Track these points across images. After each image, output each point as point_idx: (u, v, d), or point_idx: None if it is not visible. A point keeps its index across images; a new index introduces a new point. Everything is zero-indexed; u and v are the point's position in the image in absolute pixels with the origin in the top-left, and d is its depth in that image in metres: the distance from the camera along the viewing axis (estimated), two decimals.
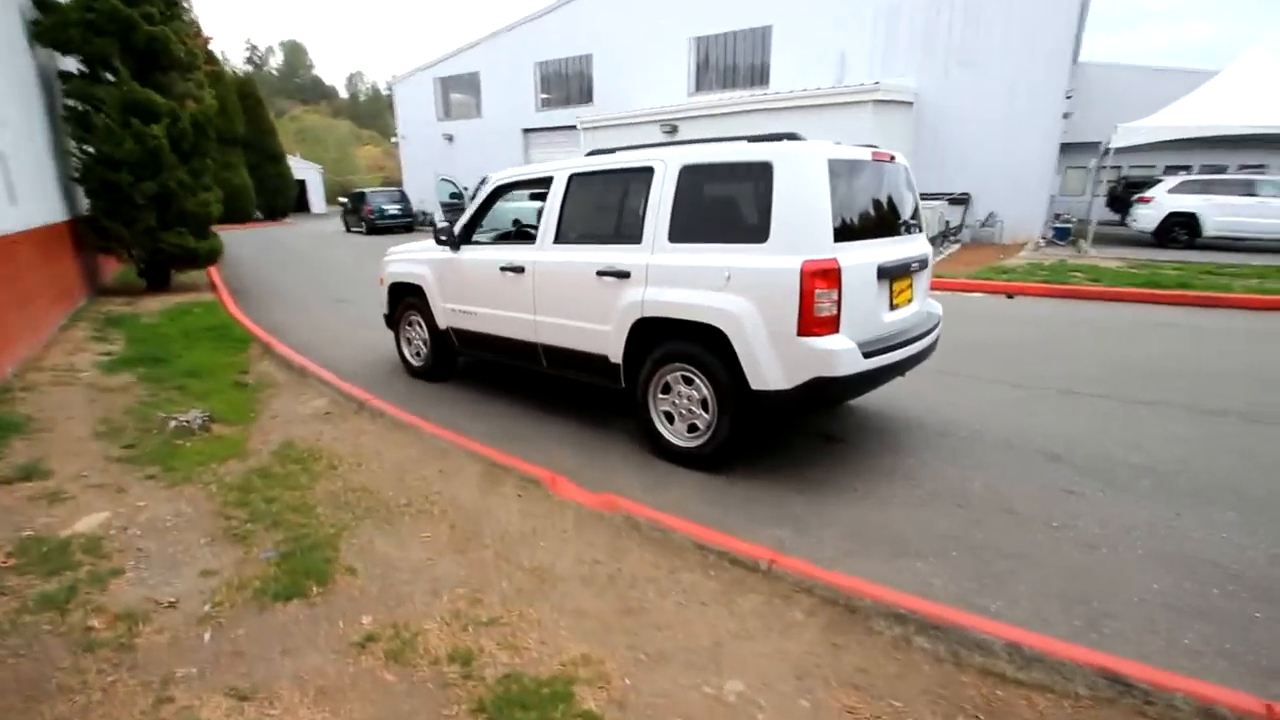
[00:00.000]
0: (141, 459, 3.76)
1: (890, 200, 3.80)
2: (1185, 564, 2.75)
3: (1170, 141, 13.51)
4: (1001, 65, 16.00)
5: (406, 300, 5.61)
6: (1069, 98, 16.51)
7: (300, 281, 11.79)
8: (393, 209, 24.07)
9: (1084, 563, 2.77)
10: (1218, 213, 14.05)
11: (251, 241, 19.58)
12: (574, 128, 20.92)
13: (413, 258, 5.49)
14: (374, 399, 4.75)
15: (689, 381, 3.70)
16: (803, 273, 3.15)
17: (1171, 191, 14.82)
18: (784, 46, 18.89)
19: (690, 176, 3.62)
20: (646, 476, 3.68)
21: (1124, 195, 18.91)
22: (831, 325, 3.22)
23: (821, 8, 17.97)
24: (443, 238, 4.94)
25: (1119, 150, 13.69)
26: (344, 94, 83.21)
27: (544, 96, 23.93)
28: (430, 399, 5.12)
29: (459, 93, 26.85)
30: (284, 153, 33.45)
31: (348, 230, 25.24)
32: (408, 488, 3.41)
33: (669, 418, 3.86)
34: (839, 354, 3.20)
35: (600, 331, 4.01)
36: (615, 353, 3.95)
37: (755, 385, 3.37)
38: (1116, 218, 19.01)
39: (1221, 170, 19.32)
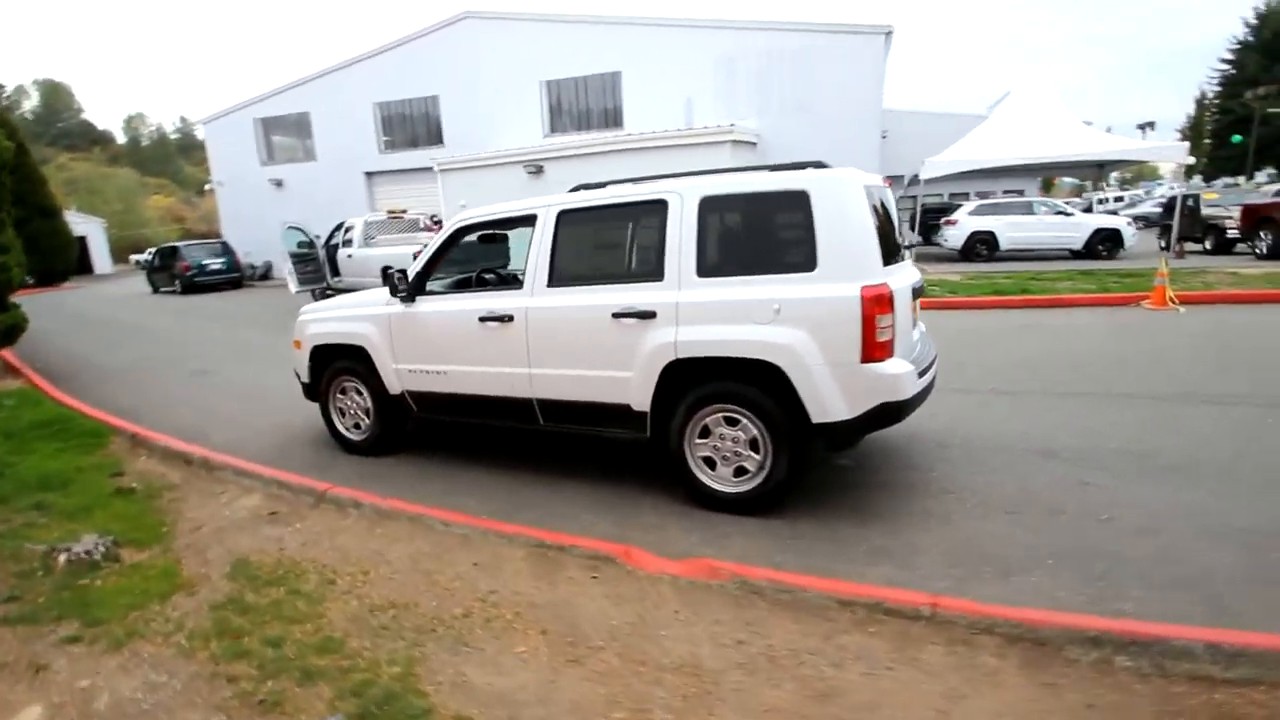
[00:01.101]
0: (41, 615, 2.73)
1: (892, 223, 3.92)
2: (1233, 536, 3.01)
3: (951, 173, 16.24)
4: (827, 108, 17.79)
5: (337, 365, 4.80)
6: (884, 137, 18.89)
7: (133, 355, 9.83)
8: (214, 263, 21.21)
9: (1157, 549, 2.94)
10: (1010, 230, 16.70)
11: (38, 313, 16.10)
12: (427, 169, 19.98)
13: (346, 314, 4.72)
14: (336, 486, 3.95)
15: (733, 422, 3.48)
16: (863, 299, 3.10)
17: (972, 214, 17.35)
18: (634, 91, 19.63)
19: (712, 208, 3.46)
20: (701, 530, 3.38)
21: (922, 219, 21.77)
22: (889, 349, 3.20)
23: (666, 56, 18.96)
24: (398, 289, 4.28)
25: (927, 180, 16.08)
26: (122, 138, 72.91)
27: (386, 138, 22.63)
28: (389, 476, 4.37)
29: (285, 134, 24.57)
30: (58, 206, 28.24)
31: (155, 290, 21.83)
32: (449, 592, 2.80)
33: (709, 463, 3.60)
34: (902, 378, 3.18)
35: (618, 379, 3.67)
36: (640, 400, 3.62)
37: (817, 418, 3.23)
38: (919, 239, 21.78)
39: (989, 195, 23.05)
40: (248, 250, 23.11)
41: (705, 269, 3.44)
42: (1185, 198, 15.56)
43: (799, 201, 3.27)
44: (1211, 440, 4.19)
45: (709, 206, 3.46)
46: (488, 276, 4.96)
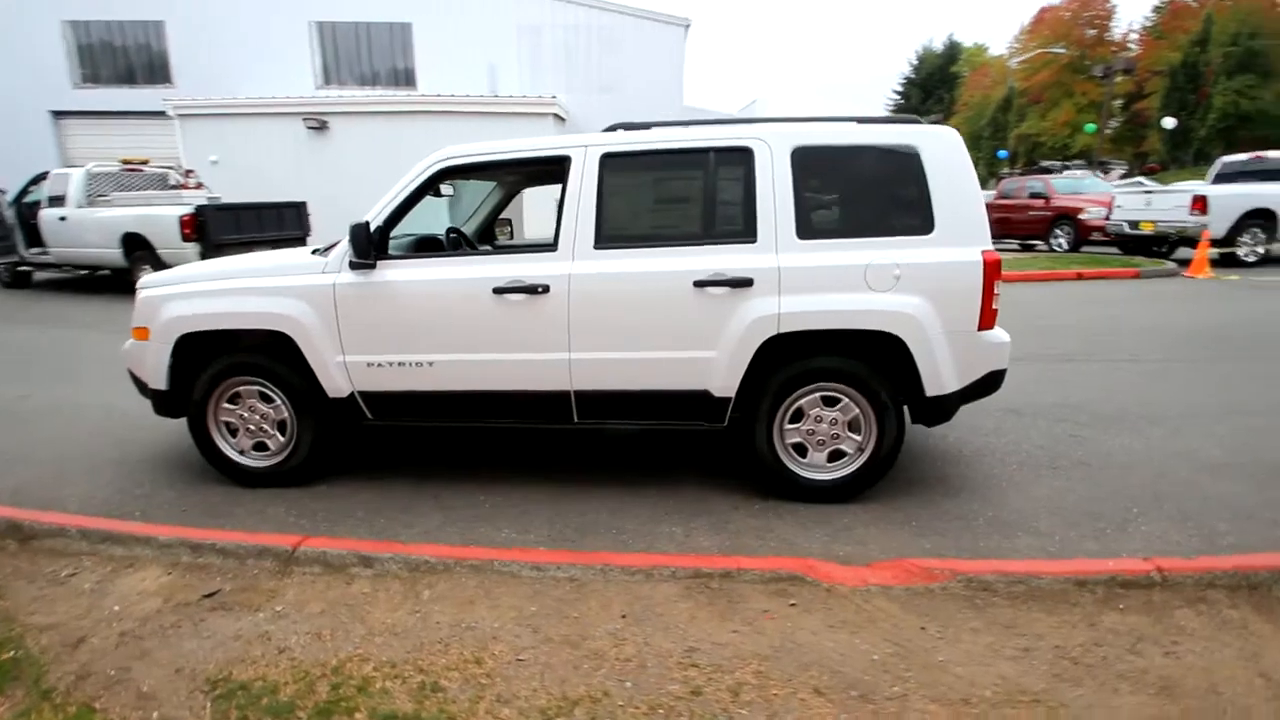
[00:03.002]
0: None
1: None
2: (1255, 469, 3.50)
3: None
4: (632, 93, 17.85)
5: (226, 362, 3.31)
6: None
7: None
8: None
9: (1209, 488, 3.29)
10: None
11: None
12: (152, 113, 15.72)
13: (246, 287, 3.26)
14: (309, 538, 2.67)
15: (831, 402, 3.11)
16: (986, 264, 2.95)
17: None
18: (428, 48, 17.67)
19: (806, 160, 3.01)
20: (816, 526, 2.96)
21: None
22: (996, 317, 3.11)
23: (464, 14, 17.35)
24: (364, 252, 3.02)
25: None
26: None
27: (84, 70, 17.22)
28: (339, 512, 3.15)
29: None
30: None
31: None
32: (630, 662, 1.99)
33: (798, 450, 3.18)
34: (1007, 345, 3.12)
35: (696, 361, 3.05)
36: (725, 384, 3.06)
37: (932, 391, 3.02)
38: None
39: None
40: None
41: (807, 230, 2.99)
42: None
43: (907, 158, 3.00)
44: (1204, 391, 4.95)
45: (803, 159, 3.01)
46: (446, 237, 3.85)
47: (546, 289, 3.03)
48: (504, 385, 3.18)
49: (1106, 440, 3.97)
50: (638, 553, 2.63)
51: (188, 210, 9.15)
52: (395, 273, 3.15)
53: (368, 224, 3.02)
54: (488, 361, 3.14)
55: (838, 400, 3.11)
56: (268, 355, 3.32)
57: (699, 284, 2.97)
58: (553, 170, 3.26)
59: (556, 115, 15.34)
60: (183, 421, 3.48)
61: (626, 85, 17.90)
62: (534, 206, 8.35)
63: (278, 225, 10.63)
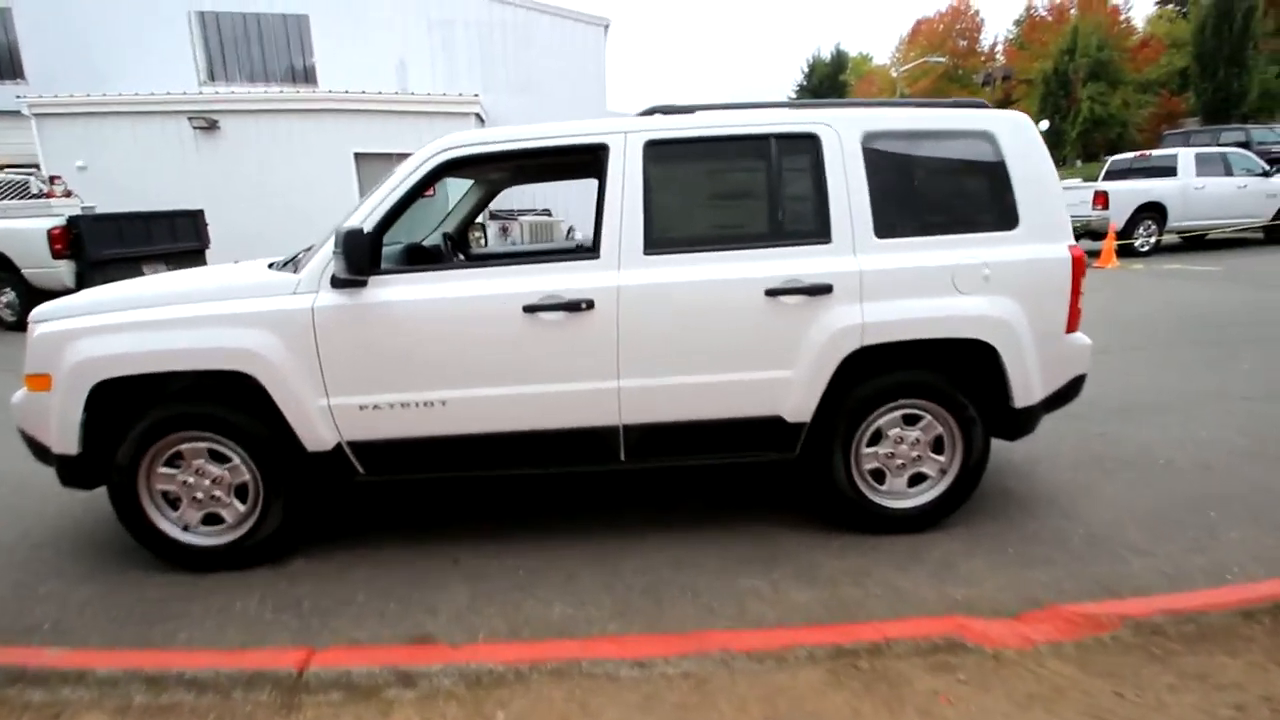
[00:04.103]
0: None
1: None
2: None
3: None
4: (552, 95, 17.16)
5: (161, 415, 2.55)
6: None
7: None
8: None
9: (1260, 480, 3.20)
10: None
11: None
12: (4, 113, 13.56)
13: (192, 315, 2.49)
14: (317, 650, 2.01)
15: (912, 420, 2.77)
16: (1074, 260, 2.70)
17: None
18: (329, 44, 16.30)
19: (878, 148, 2.65)
20: (912, 564, 2.60)
21: None
22: (1080, 318, 2.86)
23: (365, 3, 16.11)
24: (351, 266, 2.35)
25: None
26: None
27: None
28: (336, 601, 2.48)
29: None
30: None
31: None
32: None
33: (876, 476, 2.81)
34: (1089, 348, 2.88)
35: (769, 382, 2.61)
36: (800, 408, 2.64)
37: (1021, 402, 2.73)
38: None
39: None
40: None
41: (885, 227, 2.62)
42: None
43: (985, 146, 2.70)
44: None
45: (874, 146, 2.64)
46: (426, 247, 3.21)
47: (590, 305, 2.49)
48: (536, 424, 2.61)
49: (1132, 435, 3.87)
50: (753, 629, 2.15)
51: (58, 222, 7.76)
52: (393, 291, 2.51)
53: (363, 230, 2.36)
54: (516, 396, 2.56)
55: (919, 418, 2.77)
56: (221, 402, 2.58)
57: (771, 293, 2.54)
58: (583, 162, 2.74)
59: (478, 116, 14.49)
60: (102, 490, 2.67)
61: (547, 86, 17.24)
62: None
63: (170, 237, 9.32)
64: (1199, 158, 12.46)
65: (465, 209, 4.01)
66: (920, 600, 2.37)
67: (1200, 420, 4.04)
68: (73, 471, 2.62)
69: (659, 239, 2.56)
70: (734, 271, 2.55)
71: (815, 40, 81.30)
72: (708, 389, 2.61)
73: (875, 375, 2.68)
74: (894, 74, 48.36)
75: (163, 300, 2.57)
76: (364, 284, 2.48)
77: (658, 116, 2.69)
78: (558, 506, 3.20)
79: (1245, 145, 14.84)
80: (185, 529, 2.70)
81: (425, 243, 3.81)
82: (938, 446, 2.81)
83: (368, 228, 2.47)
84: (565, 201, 16.49)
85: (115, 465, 2.58)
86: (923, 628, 2.08)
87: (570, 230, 16.37)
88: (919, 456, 2.80)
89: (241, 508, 2.68)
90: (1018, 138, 2.72)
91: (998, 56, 47.60)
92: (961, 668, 1.92)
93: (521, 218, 14.72)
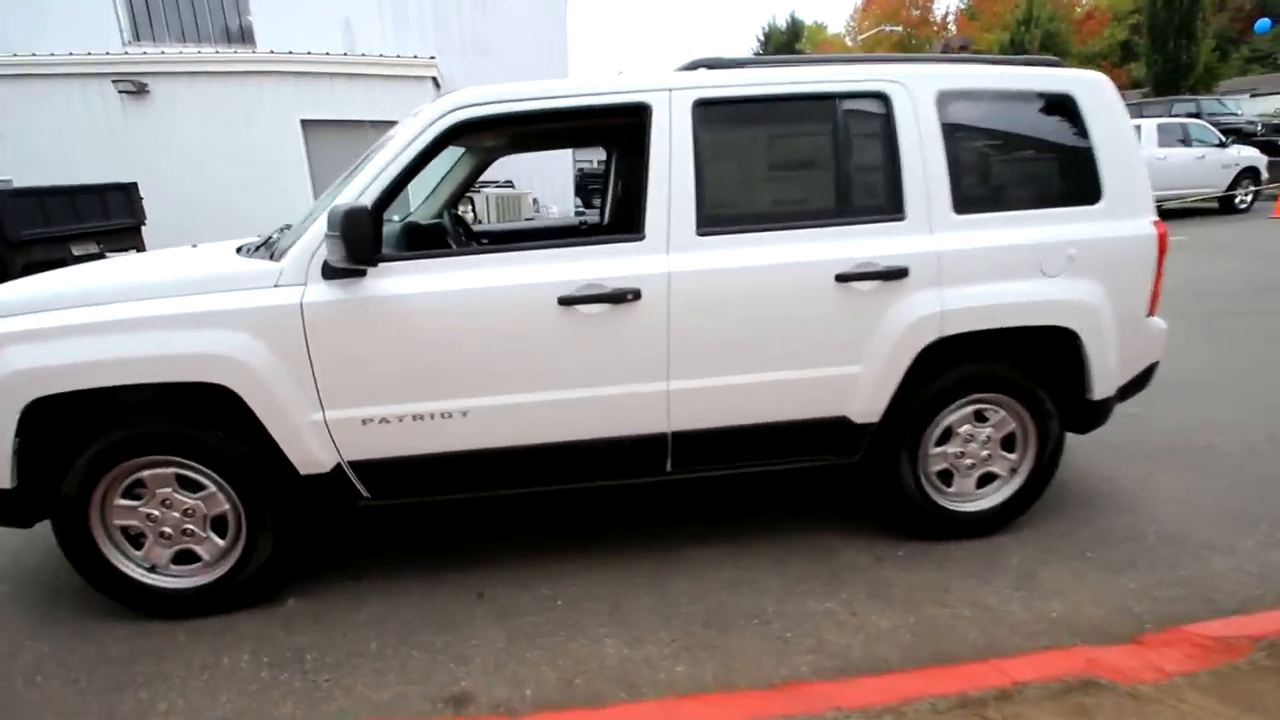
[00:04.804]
0: None
1: None
2: None
3: None
4: (513, 60, 16.37)
5: (121, 435, 2.09)
6: None
7: None
8: None
9: None
10: None
11: None
12: None
13: (150, 313, 2.02)
14: None
15: (982, 418, 2.51)
16: (1159, 238, 2.45)
17: None
18: (267, 2, 15.01)
19: (954, 110, 2.33)
20: (992, 575, 2.37)
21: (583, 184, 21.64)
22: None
23: None
24: (341, 253, 1.91)
25: None
26: None
27: None
28: (345, 652, 2.10)
29: None
30: None
31: None
32: None
33: (943, 477, 2.56)
34: (1165, 332, 2.66)
35: (835, 379, 2.31)
36: (869, 407, 2.34)
37: (1100, 393, 2.50)
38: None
39: None
40: None
41: (963, 201, 2.32)
42: None
43: (1064, 108, 2.41)
44: None
45: (949, 107, 2.32)
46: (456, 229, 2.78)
47: (636, 295, 2.13)
48: (571, 434, 2.25)
49: (1163, 416, 3.72)
50: (855, 675, 1.86)
51: None
52: (399, 282, 2.09)
53: (367, 209, 1.93)
54: (549, 403, 2.19)
55: (990, 414, 2.52)
56: (189, 419, 2.13)
57: (842, 278, 2.22)
58: (615, 127, 2.35)
59: (435, 80, 13.62)
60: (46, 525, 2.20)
61: (506, 49, 16.39)
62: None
63: (101, 213, 8.43)
64: (1160, 129, 12.60)
65: (454, 182, 3.56)
66: (1016, 621, 2.13)
67: (1222, 400, 3.94)
68: (7, 507, 2.15)
69: (713, 216, 2.20)
70: (800, 254, 2.21)
71: (771, 8, 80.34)
72: (766, 389, 2.29)
73: (948, 368, 2.40)
74: (849, 43, 48.27)
75: (111, 295, 2.08)
76: (364, 273, 2.06)
77: (702, 72, 2.31)
78: (584, 521, 2.86)
79: (1196, 116, 15.12)
80: (152, 569, 2.26)
81: (410, 219, 3.36)
82: (1009, 443, 2.57)
83: (367, 203, 2.04)
84: (526, 173, 15.85)
85: (61, 498, 2.11)
86: (1049, 665, 1.83)
87: (536, 202, 15.73)
88: (989, 455, 2.55)
89: (221, 542, 2.25)
90: (1098, 100, 2.44)
91: (949, 26, 47.86)
92: (1100, 710, 1.68)
93: (485, 190, 14.01)
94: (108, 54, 12.64)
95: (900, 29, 42.56)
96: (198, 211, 11.20)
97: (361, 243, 1.90)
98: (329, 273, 2.05)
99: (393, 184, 2.10)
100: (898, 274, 2.24)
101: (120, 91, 11.92)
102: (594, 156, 22.00)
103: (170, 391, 2.12)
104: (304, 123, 12.92)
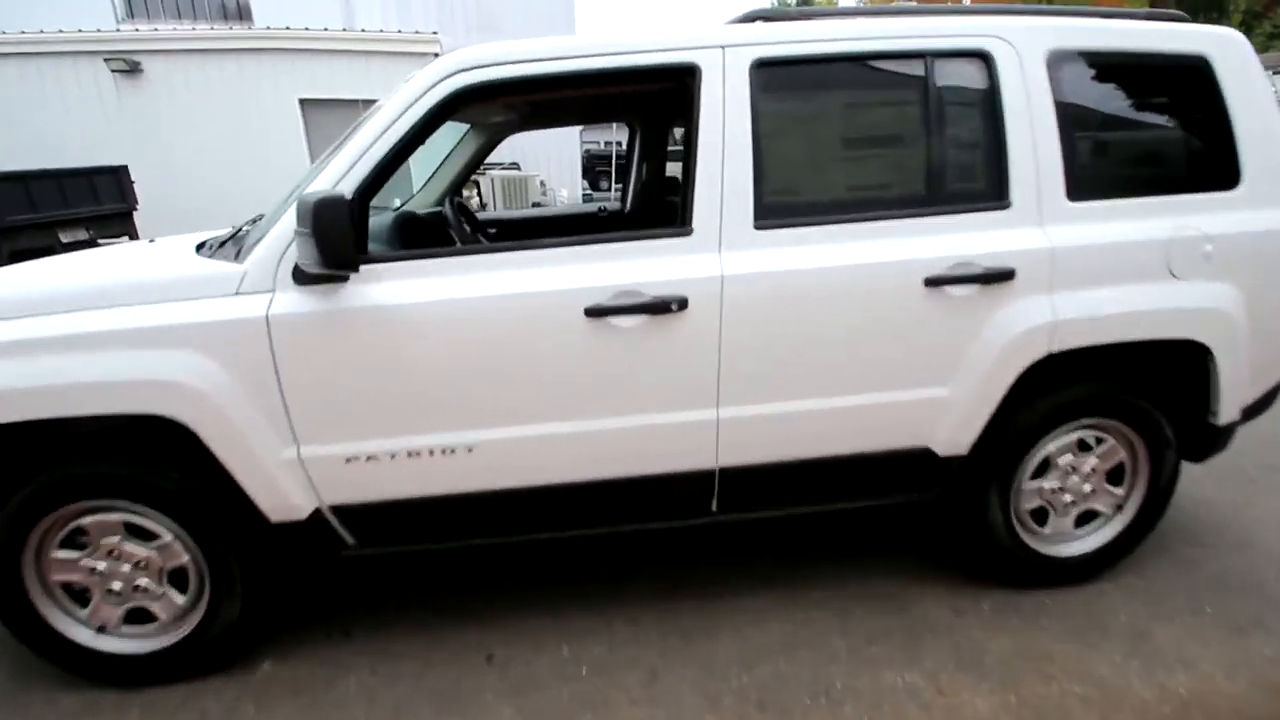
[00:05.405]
0: None
1: None
2: None
3: None
4: (516, 31, 15.77)
5: (54, 477, 1.71)
6: None
7: None
8: None
9: None
10: None
11: None
12: None
13: (81, 329, 1.62)
14: None
15: (1085, 446, 2.11)
16: None
17: None
18: None
19: (1068, 74, 1.90)
20: (1099, 637, 1.98)
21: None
22: None
23: None
24: (315, 255, 1.51)
25: None
26: None
27: None
28: None
29: None
30: None
31: None
32: None
33: (1037, 516, 2.16)
34: None
35: (919, 404, 1.90)
36: (957, 436, 1.94)
37: (1225, 416, 2.08)
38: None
39: None
40: None
41: (1079, 185, 1.89)
42: None
43: (1196, 73, 1.97)
44: None
45: (1063, 70, 1.89)
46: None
47: (683, 304, 1.72)
48: (598, 473, 1.86)
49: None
50: None
51: None
52: (390, 288, 1.69)
53: (344, 198, 1.52)
54: (572, 436, 1.80)
55: (1097, 441, 2.11)
56: (135, 457, 1.76)
57: (932, 282, 1.80)
58: (650, 94, 1.94)
59: (438, 56, 13.10)
60: None
61: (508, 23, 15.87)
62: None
63: (91, 198, 8.08)
64: None
65: (457, 165, 3.14)
66: (1139, 702, 1.75)
67: None
68: None
69: (775, 206, 1.78)
70: (880, 252, 1.80)
71: None
72: (833, 417, 1.88)
73: (1052, 389, 1.99)
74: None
75: (32, 307, 1.69)
76: (346, 279, 1.66)
77: (760, 25, 1.87)
78: (609, 561, 2.47)
79: None
80: (101, 631, 1.90)
81: (406, 209, 2.96)
82: (1114, 476, 2.16)
83: (346, 192, 1.63)
84: (532, 153, 15.36)
85: None
86: None
87: (544, 185, 15.24)
88: (1093, 490, 2.15)
89: (180, 600, 1.88)
90: (1237, 63, 1.99)
91: None
92: None
93: (490, 172, 13.52)
94: (100, 31, 12.16)
95: None
96: (193, 195, 10.83)
97: (338, 242, 1.50)
98: (303, 278, 1.65)
99: (379, 167, 1.69)
100: (1001, 276, 1.82)
101: (113, 70, 11.48)
102: (601, 137, 21.44)
103: (114, 425, 1.74)
104: (302, 102, 12.48)
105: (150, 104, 11.89)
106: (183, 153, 11.74)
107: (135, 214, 9.07)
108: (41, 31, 11.71)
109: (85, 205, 8.06)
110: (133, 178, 9.03)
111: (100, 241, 8.15)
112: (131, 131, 11.49)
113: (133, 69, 11.58)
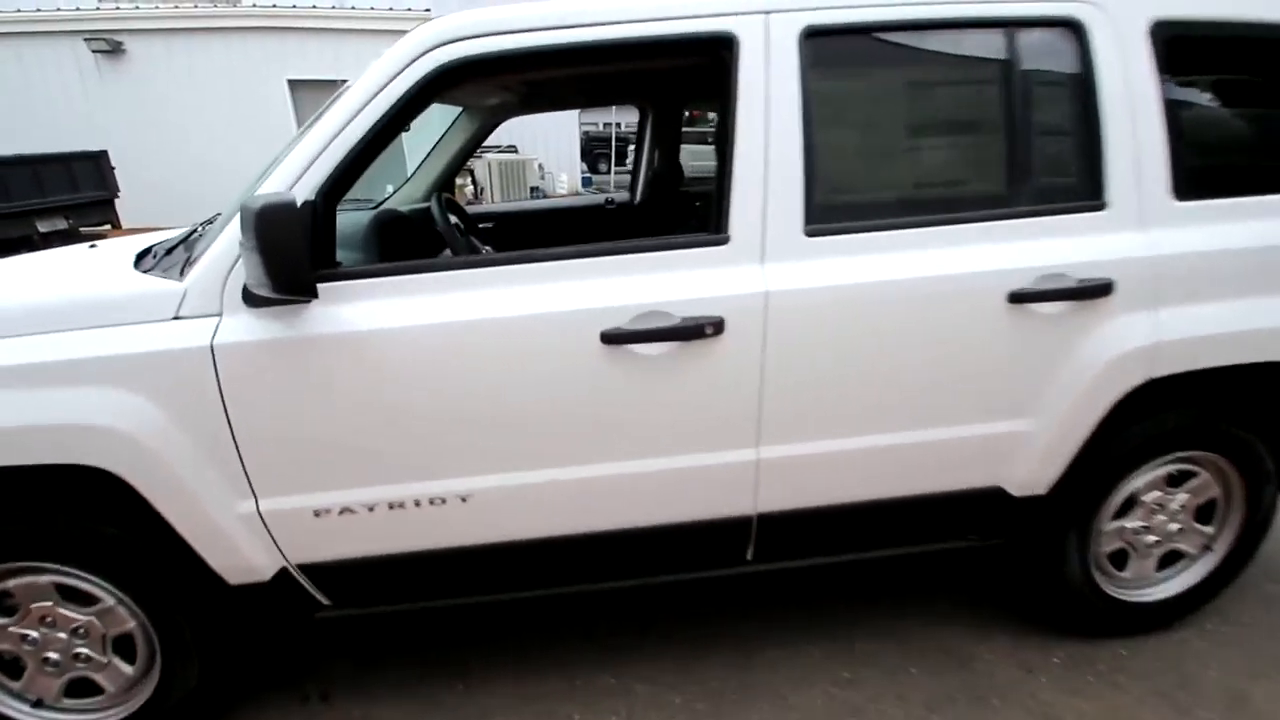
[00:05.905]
0: None
1: None
2: None
3: None
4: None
5: None
6: None
7: None
8: None
9: None
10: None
11: None
12: None
13: (8, 362, 1.35)
14: None
15: (1176, 481, 1.82)
16: None
17: None
18: None
19: (1176, 49, 1.58)
20: (1195, 709, 1.72)
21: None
22: None
23: None
24: (262, 275, 1.22)
25: None
26: None
27: None
28: None
29: None
30: None
31: None
32: None
33: (1116, 559, 1.89)
34: None
35: (996, 439, 1.61)
36: (1036, 475, 1.66)
37: None
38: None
39: None
40: None
41: (1187, 181, 1.58)
42: None
43: None
44: None
45: (1167, 44, 1.58)
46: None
47: (719, 327, 1.42)
48: (616, 523, 1.58)
49: None
50: None
51: None
52: (363, 310, 1.39)
53: (295, 203, 1.22)
54: (584, 482, 1.51)
55: (1187, 476, 1.83)
56: (66, 512, 1.47)
57: (1018, 298, 1.51)
58: (677, 70, 1.62)
59: None
60: None
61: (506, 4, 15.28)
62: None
63: (69, 185, 7.74)
64: None
65: (446, 155, 2.82)
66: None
67: None
68: None
69: (829, 208, 1.48)
70: (955, 262, 1.49)
71: None
72: (893, 456, 1.59)
73: (1146, 418, 1.70)
74: None
75: None
76: (307, 301, 1.36)
77: None
78: (626, 602, 2.20)
79: None
80: (38, 705, 1.63)
81: (388, 207, 2.66)
82: (1203, 513, 1.88)
83: (305, 194, 1.33)
84: (529, 134, 14.91)
85: None
86: None
87: (542, 169, 14.83)
88: (1180, 529, 1.88)
89: (128, 669, 1.60)
90: None
91: None
92: None
93: (486, 156, 13.08)
94: (79, 10, 11.67)
95: None
96: (177, 182, 10.47)
97: (289, 258, 1.19)
98: (253, 299, 1.35)
99: (347, 161, 1.38)
100: (1098, 291, 1.52)
101: (94, 51, 11.03)
102: (600, 118, 20.88)
103: (31, 475, 1.45)
104: (291, 83, 12.04)
105: (133, 86, 11.46)
106: (167, 137, 11.34)
107: (117, 201, 8.70)
108: (19, 11, 11.24)
109: (63, 193, 7.71)
110: (114, 163, 8.65)
111: (81, 230, 7.83)
112: (113, 115, 11.08)
113: (114, 49, 11.14)
